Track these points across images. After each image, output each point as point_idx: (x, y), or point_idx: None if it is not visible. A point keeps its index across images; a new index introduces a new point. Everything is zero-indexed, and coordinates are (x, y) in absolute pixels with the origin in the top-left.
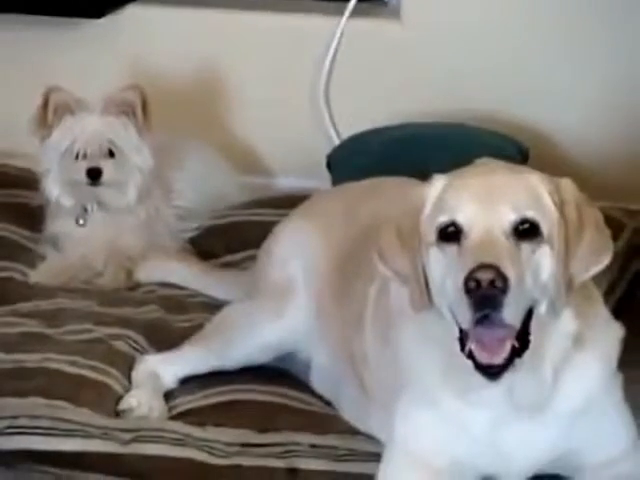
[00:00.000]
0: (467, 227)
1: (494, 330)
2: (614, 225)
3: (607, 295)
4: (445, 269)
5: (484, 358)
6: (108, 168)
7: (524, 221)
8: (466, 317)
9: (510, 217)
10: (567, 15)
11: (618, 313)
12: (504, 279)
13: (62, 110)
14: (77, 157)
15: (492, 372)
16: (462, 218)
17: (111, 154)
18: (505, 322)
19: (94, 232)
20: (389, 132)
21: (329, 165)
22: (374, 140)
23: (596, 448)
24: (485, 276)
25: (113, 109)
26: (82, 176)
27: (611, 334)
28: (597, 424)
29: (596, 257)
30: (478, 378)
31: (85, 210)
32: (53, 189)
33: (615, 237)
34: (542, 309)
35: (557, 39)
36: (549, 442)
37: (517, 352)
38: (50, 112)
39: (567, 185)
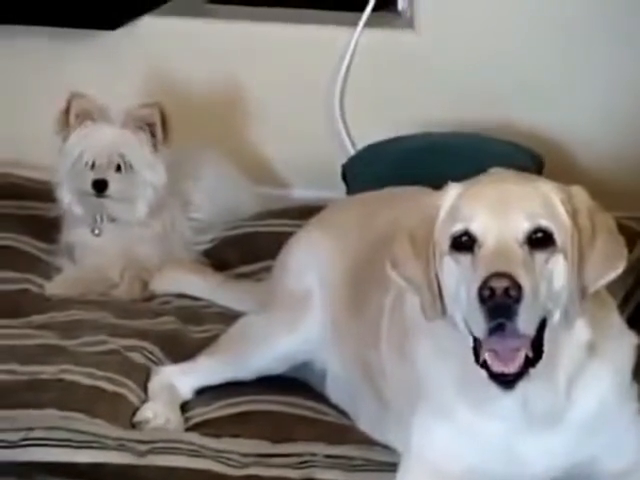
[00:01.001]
0: (481, 236)
1: (508, 339)
2: (628, 235)
3: (622, 306)
4: (459, 278)
5: (498, 367)
6: (115, 181)
7: (538, 230)
8: (480, 326)
9: (524, 226)
10: (583, 24)
11: (633, 323)
12: (518, 288)
13: (83, 116)
14: (86, 166)
15: (506, 381)
16: (476, 227)
17: (120, 168)
18: (519, 331)
19: (109, 242)
20: (403, 142)
21: (344, 175)
22: (388, 150)
23: (611, 458)
24: (499, 284)
25: (131, 124)
26: (88, 187)
27: (625, 343)
28: (612, 434)
29: (610, 263)
30: (493, 389)
31: (96, 220)
32: (65, 196)
33: (630, 247)
34: (555, 319)
35: (573, 48)
36: (564, 451)
37: (531, 362)
38: (72, 117)
39: (579, 193)
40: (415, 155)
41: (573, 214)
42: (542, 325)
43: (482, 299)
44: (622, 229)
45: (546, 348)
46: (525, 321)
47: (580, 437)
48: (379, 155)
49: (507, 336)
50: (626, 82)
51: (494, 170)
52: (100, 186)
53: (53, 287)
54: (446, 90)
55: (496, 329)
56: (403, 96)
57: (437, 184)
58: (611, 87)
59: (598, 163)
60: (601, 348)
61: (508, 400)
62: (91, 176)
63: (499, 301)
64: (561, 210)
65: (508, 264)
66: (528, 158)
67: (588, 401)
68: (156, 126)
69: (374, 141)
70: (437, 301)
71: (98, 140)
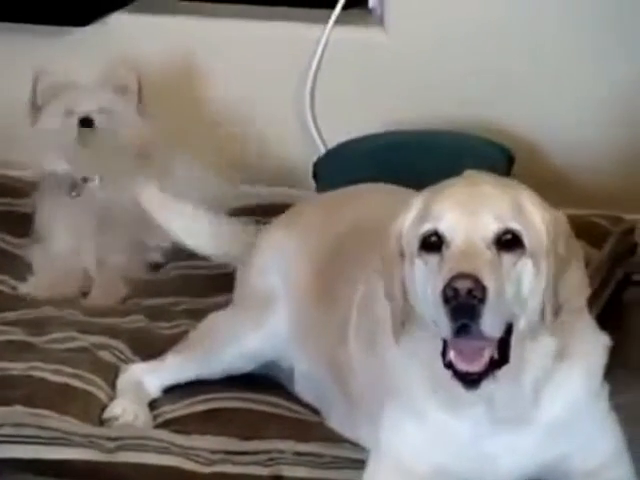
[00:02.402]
0: (449, 236)
1: (473, 340)
2: (599, 232)
3: (592, 301)
4: (426, 278)
5: (462, 366)
6: (101, 120)
7: (506, 232)
8: (445, 327)
9: (493, 227)
10: (554, 18)
11: (604, 319)
12: (482, 289)
13: (51, 92)
14: (68, 116)
15: (470, 380)
16: (444, 227)
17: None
18: (484, 333)
19: (86, 212)
20: (374, 140)
21: (315, 174)
22: (359, 148)
23: (582, 457)
24: (463, 285)
25: (110, 84)
26: (74, 127)
27: (596, 346)
28: (582, 434)
29: (580, 288)
30: (460, 389)
31: (76, 184)
32: (46, 160)
33: (600, 245)
34: (522, 324)
35: (544, 44)
36: (533, 451)
37: (497, 363)
38: (38, 95)
39: (562, 219)
40: (386, 153)
41: (554, 238)
42: (509, 330)
43: (446, 299)
44: (593, 226)
45: (513, 352)
46: (489, 323)
47: (549, 438)
48: (350, 153)
49: (472, 337)
50: (598, 77)
51: (468, 172)
52: (87, 123)
53: (27, 288)
54: (417, 88)
55: (461, 330)
56: (374, 94)
57: (409, 181)
58: (583, 83)
59: (570, 160)
60: (571, 352)
61: (474, 401)
62: (75, 119)
63: (462, 301)
64: (536, 219)
65: (473, 265)
66: (499, 153)
67: (556, 403)
68: (134, 84)
69: (345, 139)
70: (399, 312)
71: (79, 94)
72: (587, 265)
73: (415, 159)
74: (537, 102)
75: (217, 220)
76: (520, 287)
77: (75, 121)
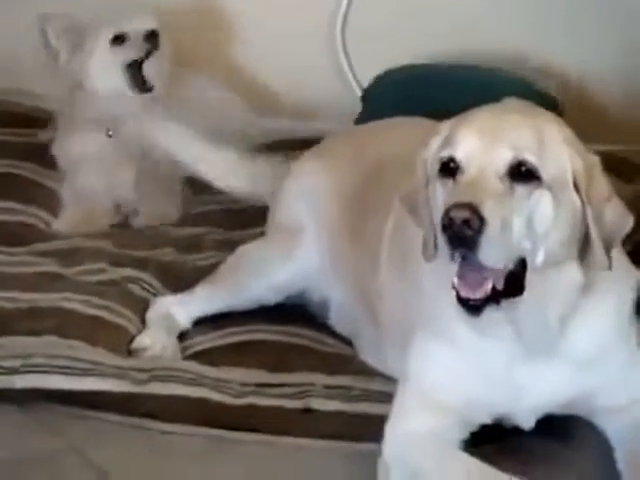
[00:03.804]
0: (464, 163)
1: (476, 268)
2: (631, 167)
3: (624, 241)
4: (442, 202)
5: (464, 292)
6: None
7: (521, 163)
8: (445, 252)
9: (507, 157)
10: None
11: (635, 257)
12: (480, 220)
13: (67, 35)
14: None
15: (472, 306)
16: (461, 154)
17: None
18: (482, 263)
19: (121, 147)
20: (425, 70)
21: (364, 98)
22: (408, 78)
23: (612, 392)
24: (459, 214)
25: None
26: (138, 43)
27: (627, 281)
28: (612, 369)
29: (623, 223)
30: (493, 316)
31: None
32: (96, 74)
33: (630, 179)
34: (539, 257)
35: None
36: (562, 383)
37: (502, 293)
38: (53, 40)
39: (594, 160)
40: (432, 82)
41: (588, 181)
42: (523, 262)
43: (443, 227)
44: (625, 162)
45: (532, 288)
46: (488, 254)
47: (578, 371)
48: (398, 81)
49: (473, 265)
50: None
51: (507, 100)
52: (153, 36)
53: (58, 224)
54: (451, 22)
55: (463, 258)
56: (405, 28)
57: (448, 114)
58: (624, 21)
59: (608, 97)
60: (600, 286)
61: (504, 327)
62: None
63: (457, 230)
64: (558, 150)
65: (475, 195)
66: (538, 95)
67: (584, 338)
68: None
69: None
70: (430, 235)
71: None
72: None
73: (458, 93)
74: (578, 41)
75: (246, 158)
76: (533, 219)
77: (137, 41)
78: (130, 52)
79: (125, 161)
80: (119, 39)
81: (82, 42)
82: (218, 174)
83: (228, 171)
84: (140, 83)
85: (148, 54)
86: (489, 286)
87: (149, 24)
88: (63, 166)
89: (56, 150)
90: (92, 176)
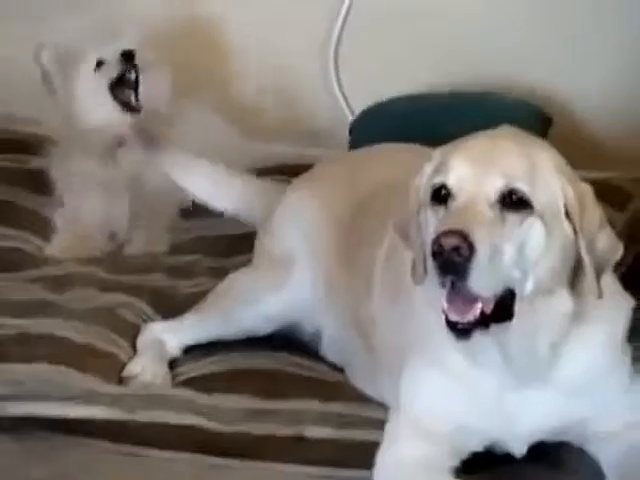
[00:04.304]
0: (455, 190)
1: (465, 295)
2: (622, 195)
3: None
4: (434, 229)
5: (452, 316)
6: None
7: (512, 192)
8: (435, 279)
9: (498, 185)
10: None
11: (626, 283)
12: (470, 247)
13: (64, 62)
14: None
15: (459, 329)
16: (452, 181)
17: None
18: (471, 291)
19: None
20: (410, 101)
21: (351, 131)
22: (394, 109)
23: (604, 419)
24: (449, 241)
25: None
26: (115, 63)
27: (619, 307)
28: (605, 396)
29: (613, 251)
30: (483, 344)
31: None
32: (90, 113)
33: (622, 207)
34: (528, 285)
35: (575, 6)
36: (554, 410)
37: (490, 318)
38: (47, 67)
39: (586, 189)
40: (420, 115)
41: (580, 210)
42: (512, 292)
43: (433, 254)
44: (615, 189)
45: (521, 315)
46: (477, 282)
47: (569, 399)
48: (385, 114)
49: (462, 292)
50: (630, 42)
51: (501, 127)
52: (128, 55)
53: (51, 249)
54: (445, 47)
55: (452, 284)
56: (399, 53)
57: (441, 143)
58: (614, 47)
59: (599, 123)
60: (592, 314)
61: (494, 354)
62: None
63: (446, 258)
64: (550, 179)
65: (465, 222)
66: (533, 115)
67: (575, 366)
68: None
69: (369, 100)
70: (421, 260)
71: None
72: (612, 228)
73: (448, 121)
74: (571, 63)
75: (241, 180)
76: (524, 248)
77: (112, 62)
78: (106, 73)
79: (120, 188)
80: (100, 64)
81: (71, 70)
82: (218, 199)
83: (228, 196)
84: (125, 104)
85: (124, 74)
86: (478, 310)
87: (125, 45)
88: (60, 189)
89: (54, 174)
90: (88, 201)
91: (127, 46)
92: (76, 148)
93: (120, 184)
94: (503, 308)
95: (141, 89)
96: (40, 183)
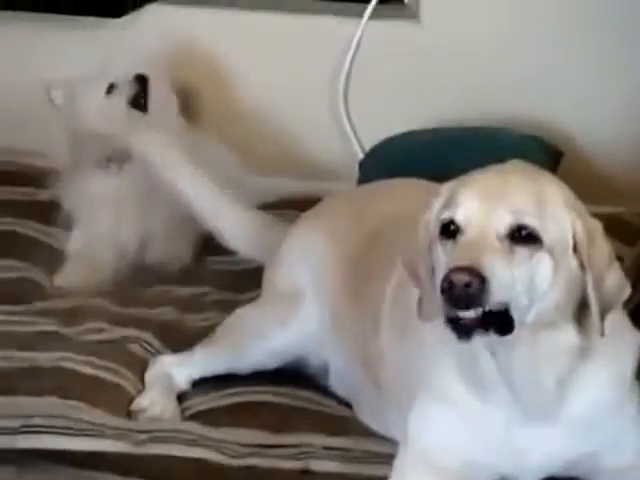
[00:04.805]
0: (464, 225)
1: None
2: (631, 230)
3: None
4: (444, 265)
5: (452, 312)
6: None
7: (522, 227)
8: (443, 313)
9: (507, 221)
10: (595, 18)
11: (635, 320)
12: (482, 279)
13: (73, 97)
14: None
15: (460, 326)
16: (460, 216)
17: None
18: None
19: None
20: (418, 137)
21: (361, 167)
22: (402, 145)
23: (611, 455)
24: (460, 278)
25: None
26: (128, 86)
27: (628, 344)
28: (611, 432)
29: (621, 289)
30: (484, 376)
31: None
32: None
33: (631, 242)
34: (529, 317)
35: (584, 41)
36: (563, 446)
37: (493, 325)
38: (59, 104)
39: (596, 225)
40: (429, 150)
41: (589, 246)
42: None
43: (442, 290)
44: (626, 224)
45: (524, 348)
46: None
47: (577, 435)
48: (395, 149)
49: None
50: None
51: (511, 162)
52: (142, 79)
53: (60, 279)
54: (454, 83)
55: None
56: (409, 89)
57: (451, 178)
58: (625, 81)
59: (607, 160)
60: (600, 350)
61: (502, 390)
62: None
63: (457, 294)
64: (560, 215)
65: (475, 257)
66: (543, 150)
67: (584, 402)
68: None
69: (379, 135)
70: (430, 297)
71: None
72: (621, 262)
73: (458, 156)
74: (578, 98)
75: (249, 215)
76: (533, 281)
77: (125, 85)
78: (120, 93)
79: (131, 202)
80: (111, 88)
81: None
82: (226, 232)
83: (235, 230)
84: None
85: (137, 97)
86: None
87: (137, 69)
88: (73, 215)
89: (66, 202)
90: (100, 219)
91: (136, 71)
92: (83, 163)
93: (130, 195)
94: (504, 317)
95: (150, 111)
96: (48, 214)
